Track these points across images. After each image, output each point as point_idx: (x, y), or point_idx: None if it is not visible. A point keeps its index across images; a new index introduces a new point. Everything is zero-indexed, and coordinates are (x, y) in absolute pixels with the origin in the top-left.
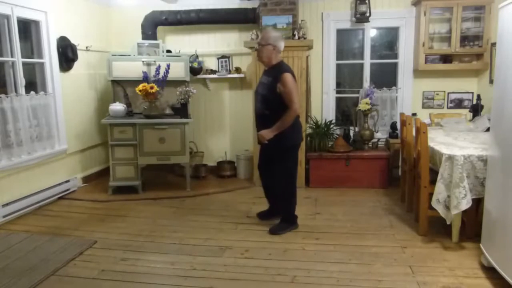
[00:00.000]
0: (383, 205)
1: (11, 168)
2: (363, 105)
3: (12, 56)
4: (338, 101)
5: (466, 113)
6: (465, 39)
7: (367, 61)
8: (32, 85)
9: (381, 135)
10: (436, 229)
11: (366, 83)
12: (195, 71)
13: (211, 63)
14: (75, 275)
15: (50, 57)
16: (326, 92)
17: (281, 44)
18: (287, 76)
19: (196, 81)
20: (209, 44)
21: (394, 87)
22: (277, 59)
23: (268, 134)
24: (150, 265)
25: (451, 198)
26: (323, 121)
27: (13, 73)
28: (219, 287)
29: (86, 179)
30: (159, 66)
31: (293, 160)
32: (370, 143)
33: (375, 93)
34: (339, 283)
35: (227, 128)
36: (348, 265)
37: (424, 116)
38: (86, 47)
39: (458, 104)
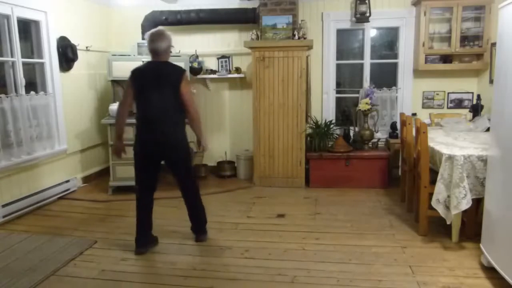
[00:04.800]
0: (383, 205)
1: (11, 168)
2: (363, 105)
3: (12, 56)
4: (338, 101)
5: (466, 113)
6: (465, 39)
7: (367, 61)
8: (32, 85)
9: (381, 135)
10: (436, 229)
11: (366, 83)
12: (195, 71)
13: (211, 63)
14: (75, 275)
15: (50, 57)
16: (326, 92)
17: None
18: None
19: (196, 81)
20: (209, 44)
21: (394, 87)
22: None
23: None
24: (150, 265)
25: (451, 198)
26: (323, 121)
27: (13, 73)
28: (219, 287)
29: (86, 179)
30: None
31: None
32: (370, 143)
33: (375, 93)
34: (339, 283)
35: (227, 128)
36: (348, 265)
37: (424, 116)
38: (86, 47)
39: (458, 104)
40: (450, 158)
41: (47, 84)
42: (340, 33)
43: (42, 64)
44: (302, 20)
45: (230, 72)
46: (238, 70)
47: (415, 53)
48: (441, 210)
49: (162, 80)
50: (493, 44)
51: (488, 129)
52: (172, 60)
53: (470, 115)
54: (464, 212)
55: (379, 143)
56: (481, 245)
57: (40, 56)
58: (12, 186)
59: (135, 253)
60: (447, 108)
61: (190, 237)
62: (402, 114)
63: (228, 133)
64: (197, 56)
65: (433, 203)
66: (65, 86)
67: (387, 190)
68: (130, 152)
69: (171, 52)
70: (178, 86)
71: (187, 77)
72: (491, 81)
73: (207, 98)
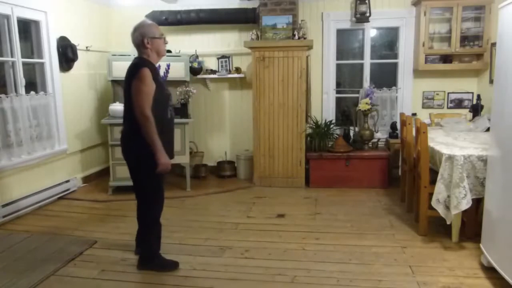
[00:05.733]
0: (383, 205)
1: (11, 168)
2: (363, 105)
3: (12, 56)
4: (338, 101)
5: (466, 113)
6: (465, 39)
7: (367, 61)
8: (32, 85)
9: (381, 135)
10: (436, 229)
11: (366, 83)
12: (195, 71)
13: (211, 63)
14: (75, 275)
15: (50, 57)
16: (326, 92)
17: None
18: None
19: (196, 81)
20: (209, 44)
21: (394, 87)
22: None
23: None
24: None
25: (451, 198)
26: (323, 121)
27: (13, 73)
28: (219, 287)
29: (86, 179)
30: (159, 66)
31: None
32: (370, 143)
33: (375, 93)
34: (339, 283)
35: (227, 128)
36: (348, 265)
37: (424, 116)
38: (86, 47)
39: (458, 104)
40: (450, 158)
41: (47, 84)
42: (340, 33)
43: (42, 64)
44: (302, 20)
45: (230, 72)
46: (238, 70)
47: (415, 53)
48: (441, 210)
49: (126, 78)
50: (493, 44)
51: (488, 129)
52: (172, 60)
53: (470, 115)
54: (464, 212)
55: (379, 143)
56: (481, 245)
57: (40, 56)
58: (12, 186)
59: (135, 253)
60: (447, 108)
61: (190, 236)
62: (402, 114)
63: (228, 133)
64: (197, 56)
65: (433, 203)
66: (65, 86)
67: (387, 190)
68: None
69: (148, 44)
70: (131, 83)
71: (142, 74)
72: (491, 81)
73: (207, 98)
